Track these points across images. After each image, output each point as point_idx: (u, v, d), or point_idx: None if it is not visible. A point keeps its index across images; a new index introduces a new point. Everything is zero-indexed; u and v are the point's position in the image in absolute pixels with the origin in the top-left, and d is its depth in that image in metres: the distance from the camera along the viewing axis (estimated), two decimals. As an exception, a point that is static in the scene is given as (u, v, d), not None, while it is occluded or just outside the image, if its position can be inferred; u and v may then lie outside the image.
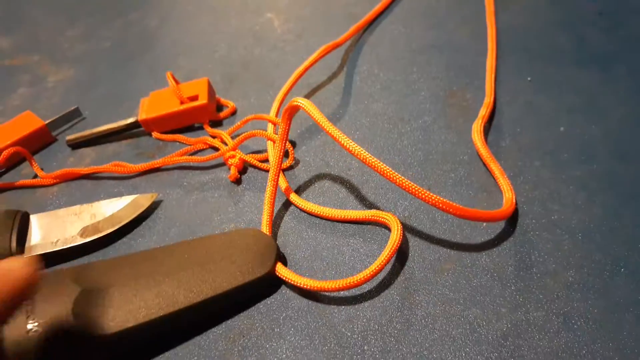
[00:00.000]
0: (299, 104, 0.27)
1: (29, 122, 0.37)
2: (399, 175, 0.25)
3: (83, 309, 0.24)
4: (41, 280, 0.24)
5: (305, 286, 0.25)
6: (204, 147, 0.34)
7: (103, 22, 0.48)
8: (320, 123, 0.26)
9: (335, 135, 0.26)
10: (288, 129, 0.28)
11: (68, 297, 0.24)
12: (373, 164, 0.25)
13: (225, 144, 0.33)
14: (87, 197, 0.33)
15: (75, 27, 0.48)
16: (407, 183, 0.25)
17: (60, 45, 0.46)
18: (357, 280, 0.24)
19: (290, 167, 0.32)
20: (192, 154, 0.34)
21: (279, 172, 0.29)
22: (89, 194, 0.33)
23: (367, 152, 0.25)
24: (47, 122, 0.37)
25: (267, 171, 0.32)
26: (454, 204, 0.25)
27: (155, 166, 0.33)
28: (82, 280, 0.25)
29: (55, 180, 0.34)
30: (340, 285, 0.24)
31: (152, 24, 0.47)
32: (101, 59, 0.44)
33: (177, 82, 0.35)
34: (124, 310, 0.24)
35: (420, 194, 0.25)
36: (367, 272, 0.25)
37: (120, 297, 0.24)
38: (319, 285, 0.25)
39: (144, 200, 0.31)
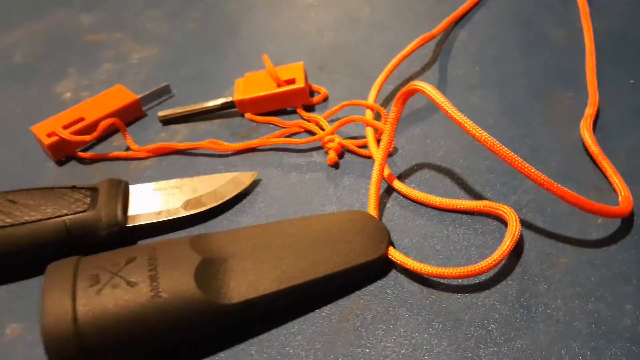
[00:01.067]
0: (419, 87, 0.27)
1: (120, 96, 0.37)
2: (521, 159, 0.25)
3: (204, 277, 0.24)
4: (163, 246, 0.25)
5: (421, 271, 0.25)
6: (299, 131, 0.34)
7: (186, 3, 0.49)
8: (443, 106, 0.26)
9: (458, 118, 0.25)
10: (400, 114, 0.28)
11: (190, 265, 0.24)
12: (498, 149, 0.25)
13: (322, 129, 0.33)
14: (181, 172, 0.33)
15: (157, 8, 0.49)
16: (527, 166, 0.24)
17: (143, 24, 0.47)
18: (477, 269, 0.24)
19: (390, 155, 0.32)
20: (287, 137, 0.34)
21: (387, 156, 0.29)
22: (183, 169, 0.33)
23: (492, 138, 0.25)
24: (139, 96, 0.37)
25: (366, 157, 0.32)
26: (576, 195, 0.25)
27: (253, 146, 0.33)
28: (202, 249, 0.25)
29: (149, 154, 0.34)
30: (459, 273, 0.24)
31: (237, 8, 0.47)
32: (186, 40, 0.44)
33: (273, 66, 0.36)
34: (244, 282, 0.24)
35: (544, 181, 0.24)
36: (487, 261, 0.24)
37: (239, 269, 0.24)
38: (436, 271, 0.25)
39: (245, 178, 0.31)
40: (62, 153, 0.35)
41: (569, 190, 0.25)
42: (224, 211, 0.30)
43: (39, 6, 0.52)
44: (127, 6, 0.50)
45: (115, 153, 0.34)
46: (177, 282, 0.23)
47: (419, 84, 0.27)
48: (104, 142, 0.36)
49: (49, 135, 0.34)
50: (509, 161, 0.25)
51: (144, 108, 0.38)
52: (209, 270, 0.24)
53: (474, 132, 0.25)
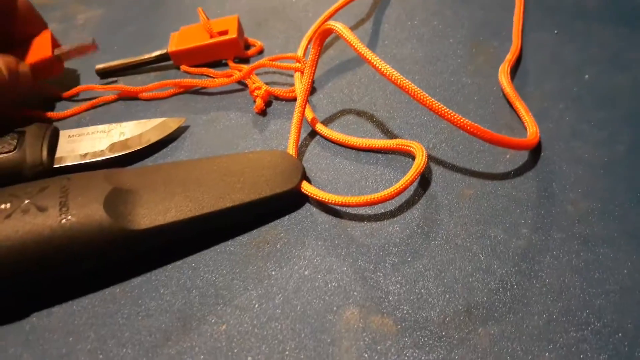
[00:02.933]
0: (332, 26, 0.27)
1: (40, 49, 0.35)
2: (431, 97, 0.25)
3: (114, 204, 0.24)
4: (77, 177, 0.25)
5: (329, 201, 0.26)
6: (229, 82, 0.35)
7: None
8: (355, 46, 0.27)
9: (370, 59, 0.26)
10: (318, 55, 0.29)
11: (100, 193, 0.24)
12: (407, 86, 0.25)
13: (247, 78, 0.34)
14: (115, 120, 0.33)
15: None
16: (437, 105, 0.25)
17: (91, -13, 0.47)
18: (380, 197, 0.25)
19: (313, 100, 0.33)
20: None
21: (307, 98, 0.29)
22: (117, 117, 0.34)
23: (401, 75, 0.26)
24: (57, 52, 0.35)
25: (293, 100, 0.33)
26: (483, 128, 0.25)
27: (180, 90, 0.34)
28: (114, 180, 0.25)
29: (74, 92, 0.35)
30: (364, 201, 0.25)
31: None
32: (130, 0, 0.45)
33: (207, 18, 0.36)
34: (154, 210, 0.25)
35: (450, 117, 0.25)
36: (391, 189, 0.25)
37: (150, 198, 0.25)
38: (342, 200, 0.25)
39: (172, 123, 0.32)
40: None
41: (477, 125, 0.25)
42: (149, 155, 0.31)
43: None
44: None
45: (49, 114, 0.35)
46: (86, 208, 0.24)
47: (332, 23, 0.27)
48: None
49: None
50: (421, 100, 0.25)
51: (66, 64, 0.36)
52: (118, 198, 0.25)
53: (383, 69, 0.26)
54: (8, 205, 0.24)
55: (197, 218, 0.25)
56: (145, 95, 0.34)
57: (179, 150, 0.31)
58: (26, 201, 0.24)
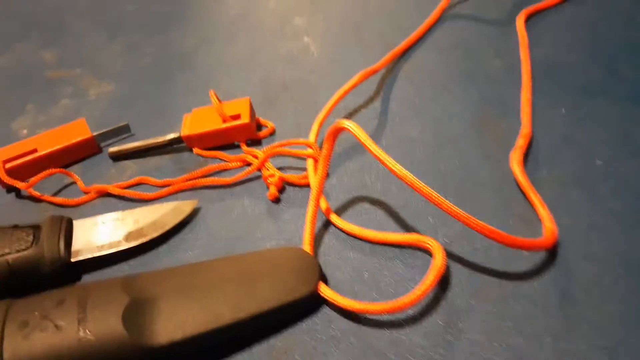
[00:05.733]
0: (345, 126, 0.28)
1: (79, 131, 0.38)
2: (445, 199, 0.25)
3: (132, 319, 0.24)
4: (94, 288, 0.25)
5: (348, 307, 0.25)
6: (242, 165, 0.35)
7: (143, 38, 0.50)
8: (367, 145, 0.27)
9: (382, 158, 0.26)
10: (331, 150, 0.29)
11: (118, 306, 0.24)
12: (420, 187, 0.26)
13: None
14: (126, 206, 0.34)
15: (116, 43, 0.50)
16: (453, 208, 0.25)
17: (102, 60, 0.48)
18: (400, 304, 0.25)
19: (329, 187, 0.33)
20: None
21: (321, 191, 0.30)
22: (128, 203, 0.34)
23: (414, 176, 0.26)
24: (95, 134, 0.38)
25: (307, 186, 0.33)
26: (500, 231, 0.25)
27: (193, 177, 0.34)
28: (131, 289, 0.25)
29: (95, 195, 0.35)
30: (384, 308, 0.25)
31: (191, 43, 0.48)
32: (141, 75, 0.45)
33: (219, 100, 0.37)
34: (172, 323, 0.24)
35: (467, 220, 0.25)
36: (411, 296, 0.25)
37: (167, 309, 0.25)
38: (362, 307, 0.25)
39: (185, 207, 0.32)
40: (4, 184, 0.35)
41: (493, 228, 0.25)
42: (164, 241, 0.31)
43: (0, 40, 0.53)
44: (87, 41, 0.51)
45: (62, 200, 0.35)
46: (104, 324, 0.24)
47: (345, 122, 0.28)
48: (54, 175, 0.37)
49: (3, 162, 0.35)
50: (437, 203, 0.26)
51: (102, 145, 0.39)
52: (137, 311, 0.24)
53: (395, 169, 0.26)
54: (25, 321, 0.24)
55: (213, 331, 0.24)
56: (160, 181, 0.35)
57: (193, 236, 0.31)
58: (44, 319, 0.24)
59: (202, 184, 0.34)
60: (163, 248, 0.31)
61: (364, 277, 0.28)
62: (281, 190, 0.33)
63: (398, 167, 0.26)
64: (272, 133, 0.37)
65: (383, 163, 0.26)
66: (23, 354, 0.23)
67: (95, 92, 0.44)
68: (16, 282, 0.29)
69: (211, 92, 0.37)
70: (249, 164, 0.35)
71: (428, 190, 0.26)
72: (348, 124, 0.28)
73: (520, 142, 0.33)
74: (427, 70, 0.41)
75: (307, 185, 0.33)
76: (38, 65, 0.49)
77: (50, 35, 0.53)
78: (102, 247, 0.30)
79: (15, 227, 0.30)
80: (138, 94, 0.43)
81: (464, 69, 0.40)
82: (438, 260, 0.26)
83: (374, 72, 0.39)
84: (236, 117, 0.36)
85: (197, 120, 0.37)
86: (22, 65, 0.49)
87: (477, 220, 0.25)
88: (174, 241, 0.31)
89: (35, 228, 0.30)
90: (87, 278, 0.30)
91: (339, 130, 0.28)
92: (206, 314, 0.25)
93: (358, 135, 0.27)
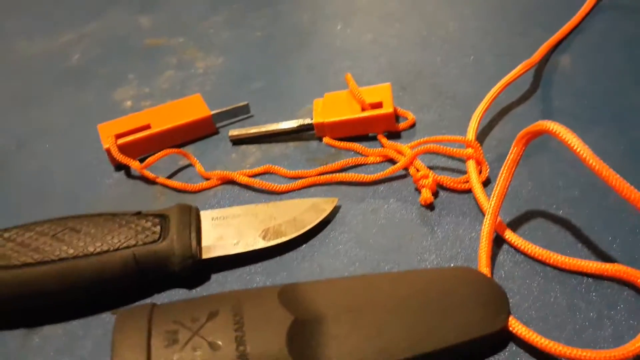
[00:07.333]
0: (549, 128, 0.23)
1: (195, 108, 0.34)
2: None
3: (297, 343, 0.20)
4: (248, 298, 0.22)
5: (551, 351, 0.21)
6: (382, 160, 0.31)
7: (248, 10, 0.46)
8: (581, 153, 0.22)
9: (605, 173, 0.21)
10: (521, 155, 0.25)
11: (281, 326, 0.20)
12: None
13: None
14: (252, 197, 0.30)
15: (218, 13, 0.46)
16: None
17: (205, 30, 0.44)
18: (621, 354, 0.20)
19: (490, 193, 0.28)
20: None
21: (501, 204, 0.25)
22: (255, 194, 0.30)
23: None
24: (213, 112, 0.34)
25: (465, 192, 0.28)
26: None
27: (330, 170, 0.30)
28: (293, 306, 0.21)
29: (217, 182, 0.31)
30: (606, 357, 0.20)
31: (304, 19, 0.44)
32: (253, 51, 0.41)
33: (357, 87, 0.32)
34: (341, 351, 0.20)
35: None
36: (628, 348, 0.20)
37: (335, 334, 0.21)
38: (573, 353, 0.21)
39: (324, 205, 0.28)
40: (116, 161, 0.32)
41: None
42: (303, 242, 0.27)
43: (93, 6, 0.50)
44: (187, 9, 0.47)
45: (183, 185, 0.31)
46: (267, 347, 0.20)
47: (549, 124, 0.23)
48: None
49: (115, 137, 0.32)
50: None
51: (217, 125, 0.35)
52: (301, 334, 0.20)
53: (620, 187, 0.21)
54: (175, 337, 0.20)
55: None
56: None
57: (334, 240, 0.27)
58: (195, 335, 0.20)
59: (340, 180, 0.30)
60: (302, 250, 0.27)
61: (556, 311, 0.23)
62: (434, 193, 0.29)
63: (621, 181, 0.21)
64: (413, 125, 0.33)
65: (604, 178, 0.21)
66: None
67: (202, 64, 0.40)
68: (142, 278, 0.25)
69: (348, 76, 0.32)
70: (390, 160, 0.30)
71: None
72: (552, 125, 0.23)
73: None
74: (589, 67, 0.35)
75: (466, 191, 0.28)
76: (134, 31, 0.46)
77: (142, 1, 0.49)
78: (237, 245, 0.26)
79: (139, 214, 0.27)
80: (251, 72, 0.39)
81: (634, 65, 0.34)
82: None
83: (532, 64, 0.33)
84: (376, 105, 0.32)
85: (331, 107, 0.32)
86: (118, 31, 0.46)
87: None
88: (313, 243, 0.27)
89: (162, 217, 0.26)
90: (216, 278, 0.26)
91: (538, 133, 0.23)
92: (380, 345, 0.21)
93: (569, 141, 0.22)
